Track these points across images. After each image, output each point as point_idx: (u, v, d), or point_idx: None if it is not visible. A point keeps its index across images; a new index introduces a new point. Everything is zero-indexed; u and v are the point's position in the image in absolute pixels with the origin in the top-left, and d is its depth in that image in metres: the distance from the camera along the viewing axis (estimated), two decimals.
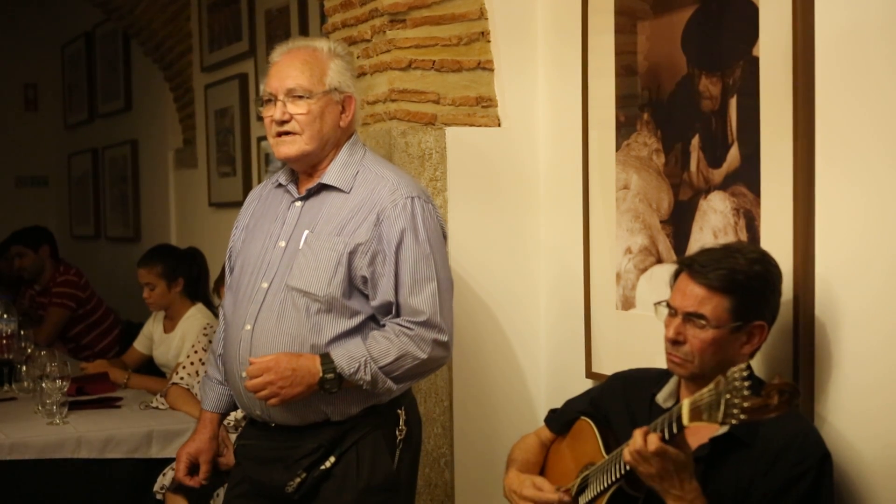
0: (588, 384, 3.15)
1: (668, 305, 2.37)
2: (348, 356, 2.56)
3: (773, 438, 2.23)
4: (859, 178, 2.34)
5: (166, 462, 3.76)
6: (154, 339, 4.74)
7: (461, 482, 3.37)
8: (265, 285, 2.66)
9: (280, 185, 2.80)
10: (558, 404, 2.78)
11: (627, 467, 2.19)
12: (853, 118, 2.36)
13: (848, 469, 2.37)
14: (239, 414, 3.32)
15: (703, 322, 2.29)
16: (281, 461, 2.66)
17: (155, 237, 6.35)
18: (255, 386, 2.56)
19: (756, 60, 2.58)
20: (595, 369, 3.20)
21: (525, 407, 3.45)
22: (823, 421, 2.43)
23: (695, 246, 2.74)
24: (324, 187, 2.69)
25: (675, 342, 2.33)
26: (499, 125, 3.42)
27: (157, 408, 4.07)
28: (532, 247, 3.46)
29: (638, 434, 2.13)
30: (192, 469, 2.87)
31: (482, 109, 3.39)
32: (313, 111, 2.64)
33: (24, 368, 4.35)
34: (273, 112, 2.65)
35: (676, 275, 2.39)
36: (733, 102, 2.66)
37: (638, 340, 2.99)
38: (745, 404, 1.89)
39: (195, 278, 4.65)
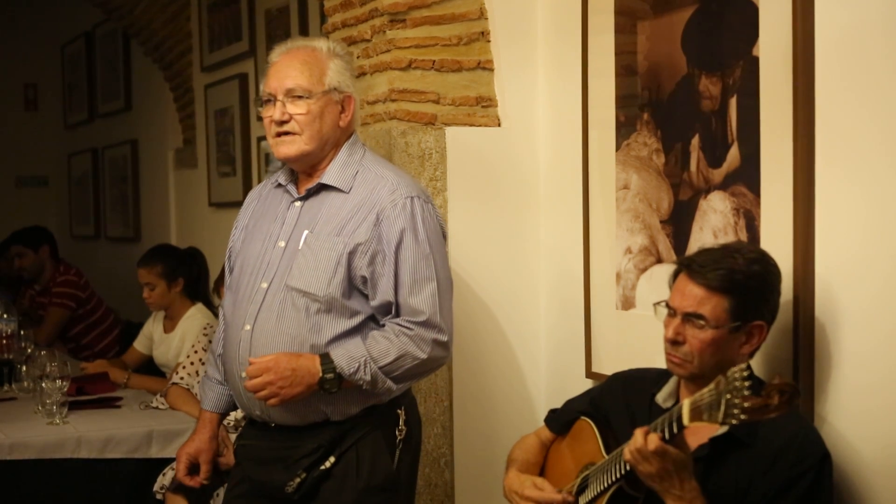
0: (588, 384, 3.15)
1: (668, 306, 2.37)
2: (348, 356, 2.55)
3: (772, 438, 2.23)
4: (859, 178, 2.34)
5: (166, 462, 3.76)
6: (154, 339, 4.74)
7: (461, 482, 3.37)
8: (265, 285, 2.66)
9: (280, 185, 2.79)
10: (558, 404, 2.78)
11: (627, 467, 2.19)
12: (853, 118, 2.36)
13: (848, 469, 2.37)
14: (239, 414, 3.32)
15: (703, 322, 2.29)
16: (281, 461, 2.66)
17: (155, 237, 6.35)
18: (254, 386, 2.56)
19: (756, 60, 2.58)
20: (595, 369, 3.20)
21: (525, 407, 3.45)
22: (823, 421, 2.43)
23: (695, 246, 2.74)
24: (323, 187, 2.69)
25: (674, 342, 2.33)
26: (499, 125, 3.41)
27: (157, 408, 4.07)
28: (532, 247, 3.45)
29: (639, 433, 2.14)
30: (192, 469, 2.87)
31: (482, 109, 3.39)
32: (313, 111, 2.63)
33: (24, 368, 4.35)
34: (272, 112, 2.65)
35: (675, 275, 2.39)
36: (733, 102, 2.66)
37: (638, 340, 2.99)
38: (746, 404, 1.89)
39: (195, 278, 4.65)
